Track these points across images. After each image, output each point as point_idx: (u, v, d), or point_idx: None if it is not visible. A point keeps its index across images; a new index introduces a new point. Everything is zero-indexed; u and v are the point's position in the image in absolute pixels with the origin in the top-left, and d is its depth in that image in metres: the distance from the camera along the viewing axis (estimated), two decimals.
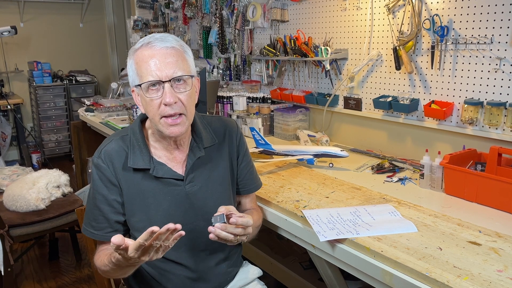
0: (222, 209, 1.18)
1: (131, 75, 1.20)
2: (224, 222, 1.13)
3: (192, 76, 1.20)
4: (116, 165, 1.23)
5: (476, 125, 1.72)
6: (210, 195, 1.30)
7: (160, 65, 1.13)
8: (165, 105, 1.14)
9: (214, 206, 1.28)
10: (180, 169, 1.28)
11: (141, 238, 0.95)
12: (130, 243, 0.96)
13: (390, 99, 2.01)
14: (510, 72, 1.60)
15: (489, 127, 1.68)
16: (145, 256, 0.99)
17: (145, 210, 1.24)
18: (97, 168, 1.24)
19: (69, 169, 4.11)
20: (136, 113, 2.82)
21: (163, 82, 1.13)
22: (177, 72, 1.14)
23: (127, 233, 1.31)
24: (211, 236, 1.13)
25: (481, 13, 1.65)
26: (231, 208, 1.19)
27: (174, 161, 1.28)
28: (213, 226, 1.13)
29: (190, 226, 1.27)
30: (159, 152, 1.27)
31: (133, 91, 1.23)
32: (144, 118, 1.31)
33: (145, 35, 1.26)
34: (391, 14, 1.97)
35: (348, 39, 2.23)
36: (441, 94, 1.84)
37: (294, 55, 2.40)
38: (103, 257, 1.18)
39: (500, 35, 1.61)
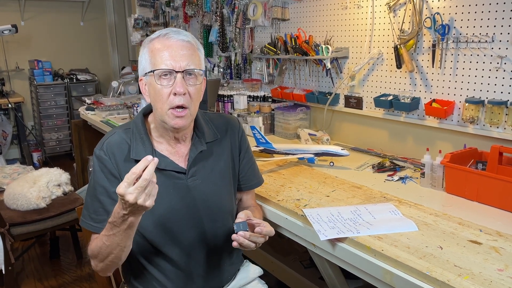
0: (242, 215, 1.20)
1: (143, 63, 1.21)
2: (247, 230, 1.15)
3: (202, 74, 1.22)
4: (118, 157, 1.23)
5: (477, 124, 1.72)
6: (212, 190, 1.30)
7: (175, 56, 1.16)
8: (175, 94, 1.16)
9: (215, 201, 1.30)
10: (182, 163, 1.28)
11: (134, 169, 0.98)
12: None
13: (391, 97, 2.01)
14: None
15: (490, 126, 1.68)
16: (140, 197, 0.99)
17: None
18: (99, 160, 1.23)
19: (70, 167, 4.11)
20: (137, 112, 2.82)
21: (176, 72, 1.16)
22: (190, 64, 1.17)
23: None
24: (234, 244, 1.15)
25: (482, 12, 1.65)
26: (249, 214, 1.22)
27: (176, 155, 1.28)
28: (236, 233, 1.14)
29: (193, 221, 1.27)
30: (161, 146, 1.28)
31: (141, 80, 1.24)
32: (146, 113, 1.31)
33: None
34: (392, 12, 1.97)
35: (349, 37, 2.22)
36: (442, 93, 1.84)
37: (295, 54, 2.39)
38: (97, 241, 1.17)
39: (501, 33, 1.60)
